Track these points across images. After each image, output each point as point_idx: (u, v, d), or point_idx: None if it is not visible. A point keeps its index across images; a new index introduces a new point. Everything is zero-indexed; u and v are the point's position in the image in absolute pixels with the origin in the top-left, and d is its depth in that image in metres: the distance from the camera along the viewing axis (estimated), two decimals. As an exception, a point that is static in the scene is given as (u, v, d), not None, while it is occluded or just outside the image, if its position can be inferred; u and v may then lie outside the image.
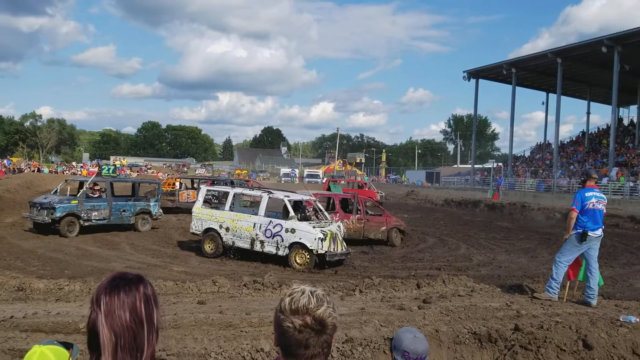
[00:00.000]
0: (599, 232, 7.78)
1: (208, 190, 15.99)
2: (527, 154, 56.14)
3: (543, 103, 53.04)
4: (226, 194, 14.78)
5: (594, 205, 7.72)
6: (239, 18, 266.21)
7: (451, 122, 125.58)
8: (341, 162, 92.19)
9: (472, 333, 5.57)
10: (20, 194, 25.19)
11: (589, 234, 7.64)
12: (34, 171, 48.72)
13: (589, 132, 51.72)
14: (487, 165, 61.76)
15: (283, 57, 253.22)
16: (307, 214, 14.04)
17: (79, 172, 49.05)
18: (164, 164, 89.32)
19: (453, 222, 25.04)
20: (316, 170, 78.29)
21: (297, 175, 71.52)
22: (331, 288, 8.66)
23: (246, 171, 74.05)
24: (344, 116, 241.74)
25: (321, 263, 12.35)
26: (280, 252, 12.68)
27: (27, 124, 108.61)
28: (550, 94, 50.94)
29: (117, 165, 68.11)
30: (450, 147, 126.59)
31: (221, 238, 13.44)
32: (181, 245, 14.87)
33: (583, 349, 5.33)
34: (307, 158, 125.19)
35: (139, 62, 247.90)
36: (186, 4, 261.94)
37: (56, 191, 16.85)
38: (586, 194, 7.78)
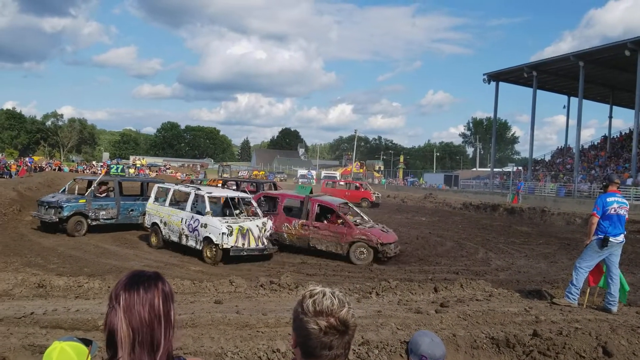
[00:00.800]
0: (621, 238, 7.65)
1: (158, 187, 16.59)
2: (548, 158, 55.52)
3: (564, 107, 52.46)
4: (168, 190, 15.47)
5: (615, 210, 7.60)
6: (258, 19, 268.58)
7: (471, 125, 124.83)
8: (358, 164, 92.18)
9: (490, 338, 5.52)
10: (42, 192, 25.48)
11: (610, 239, 7.52)
12: (54, 170, 49.38)
13: (611, 137, 50.97)
14: (506, 169, 61.15)
15: (302, 58, 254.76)
16: (238, 211, 14.26)
17: (99, 172, 49.60)
18: (182, 164, 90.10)
19: (471, 226, 24.83)
20: (333, 172, 78.27)
21: (314, 177, 71.54)
22: (347, 290, 8.64)
23: (263, 172, 74.28)
24: (363, 118, 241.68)
25: (226, 257, 12.63)
26: (197, 246, 13.14)
27: (49, 123, 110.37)
28: (571, 98, 50.34)
29: (137, 165, 68.96)
30: (470, 150, 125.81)
31: (161, 232, 14.28)
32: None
33: (603, 356, 5.25)
34: (325, 160, 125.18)
35: (159, 63, 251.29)
36: (207, 6, 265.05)
37: (64, 190, 16.92)
38: (608, 199, 7.66)
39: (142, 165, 72.56)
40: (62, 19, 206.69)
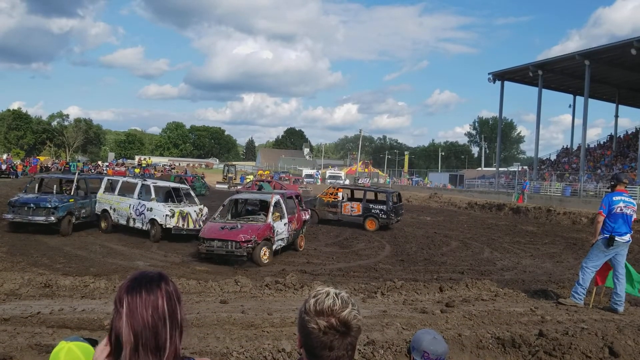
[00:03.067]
0: (627, 237, 7.61)
1: (107, 179, 18.81)
2: (554, 157, 55.32)
3: (570, 106, 52.23)
4: (116, 182, 18.00)
5: (621, 209, 7.56)
6: (266, 20, 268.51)
7: (476, 124, 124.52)
8: (363, 163, 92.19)
9: (496, 338, 5.51)
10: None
11: (617, 239, 7.49)
12: (60, 169, 49.57)
13: (617, 136, 50.73)
14: (512, 169, 60.99)
15: (308, 58, 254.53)
16: (179, 198, 17.13)
17: (105, 171, 49.77)
18: (187, 164, 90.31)
19: (476, 226, 24.78)
20: (338, 172, 78.29)
21: (320, 177, 71.62)
22: (353, 290, 8.64)
23: (268, 172, 74.34)
24: (368, 118, 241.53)
25: (168, 236, 15.21)
26: (144, 227, 15.76)
27: (55, 123, 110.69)
28: (577, 97, 50.13)
29: (143, 165, 69.12)
30: (475, 149, 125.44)
31: (111, 217, 16.72)
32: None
33: (609, 357, 5.23)
34: (330, 159, 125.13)
35: (166, 64, 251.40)
36: (215, 6, 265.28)
37: (25, 190, 17.13)
38: (614, 198, 7.63)
39: (148, 165, 72.76)
40: (70, 19, 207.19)
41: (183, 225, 15.48)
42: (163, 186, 17.96)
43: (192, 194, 17.75)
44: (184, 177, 38.46)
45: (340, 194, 22.02)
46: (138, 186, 16.69)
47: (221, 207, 14.58)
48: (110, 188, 17.62)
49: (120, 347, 1.57)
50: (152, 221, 15.46)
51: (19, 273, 9.20)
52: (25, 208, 15.35)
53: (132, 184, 17.54)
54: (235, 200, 15.24)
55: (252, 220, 13.85)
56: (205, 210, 16.79)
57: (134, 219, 16.10)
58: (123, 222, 16.40)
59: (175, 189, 17.71)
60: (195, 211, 16.15)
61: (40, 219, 15.16)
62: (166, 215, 15.21)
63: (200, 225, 15.33)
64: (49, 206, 15.28)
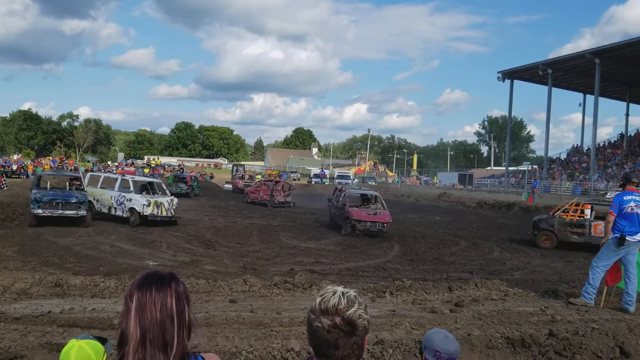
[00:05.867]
0: (638, 237, 7.54)
1: (90, 175, 22.91)
2: (564, 156, 54.98)
3: (580, 105, 51.93)
4: (99, 177, 21.68)
5: (632, 209, 7.50)
6: (276, 20, 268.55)
7: (486, 123, 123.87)
8: (372, 163, 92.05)
9: (505, 338, 5.48)
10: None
11: (627, 238, 7.43)
12: (70, 170, 49.92)
13: (628, 134, 50.34)
14: (521, 168, 60.66)
15: (319, 58, 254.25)
16: (152, 191, 20.46)
17: (114, 171, 50.09)
18: (196, 164, 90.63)
19: (486, 225, 24.69)
20: (347, 172, 78.26)
21: (328, 176, 71.61)
22: (361, 289, 8.62)
23: (277, 171, 74.42)
24: (377, 117, 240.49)
25: (145, 222, 18.16)
26: (124, 215, 18.74)
27: (65, 123, 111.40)
28: (588, 95, 49.80)
29: (152, 165, 69.40)
30: (484, 149, 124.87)
31: (94, 207, 19.45)
32: (213, 245, 15.04)
33: (620, 357, 5.19)
34: (338, 159, 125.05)
35: (176, 64, 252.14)
36: (226, 7, 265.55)
37: (37, 186, 18.04)
38: (624, 197, 7.58)
39: (157, 165, 73.09)
40: (82, 21, 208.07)
41: (158, 212, 18.46)
42: (139, 180, 21.66)
43: (164, 187, 21.26)
44: (180, 176, 40.28)
45: (587, 211, 17.87)
46: (118, 180, 20.04)
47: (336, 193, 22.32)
48: (94, 182, 20.97)
49: (126, 342, 1.60)
50: (131, 210, 18.50)
51: (29, 272, 9.27)
52: (54, 203, 16.82)
53: (112, 178, 21.21)
54: (338, 189, 22.69)
55: (377, 209, 19.45)
56: (176, 200, 20.01)
57: (115, 208, 19.12)
58: (105, 210, 19.53)
59: (150, 183, 21.37)
60: (167, 201, 19.13)
61: (71, 212, 16.99)
62: (143, 204, 18.30)
63: (172, 213, 18.94)
64: (76, 201, 17.18)
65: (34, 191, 17.22)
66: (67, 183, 20.50)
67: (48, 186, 19.58)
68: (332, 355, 1.63)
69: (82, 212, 17.18)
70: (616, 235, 7.52)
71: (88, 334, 2.08)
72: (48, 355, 4.55)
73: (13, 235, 14.71)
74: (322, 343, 1.62)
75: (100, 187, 20.18)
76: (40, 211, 16.56)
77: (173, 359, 1.60)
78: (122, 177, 20.36)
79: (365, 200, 21.04)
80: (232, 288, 8.31)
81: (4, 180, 27.09)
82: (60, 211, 16.77)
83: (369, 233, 17.92)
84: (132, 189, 19.20)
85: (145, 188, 20.69)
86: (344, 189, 22.42)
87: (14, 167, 46.32)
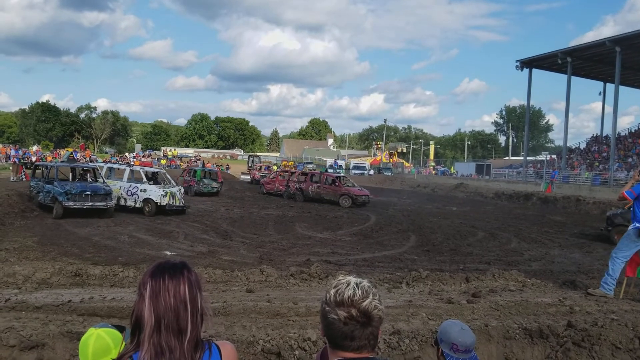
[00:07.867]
0: (659, 227, 7.43)
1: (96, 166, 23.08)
2: (583, 145, 54.24)
3: (600, 93, 51.11)
4: (101, 167, 21.68)
5: (654, 199, 7.39)
6: (294, 10, 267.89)
7: (504, 113, 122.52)
8: (387, 153, 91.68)
9: (523, 328, 5.44)
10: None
11: (648, 229, 7.32)
12: (87, 160, 50.46)
13: (650, 123, 49.44)
14: (540, 158, 59.98)
15: (336, 48, 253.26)
16: (158, 180, 21.60)
17: (132, 162, 50.54)
18: (212, 155, 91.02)
19: (504, 216, 24.50)
20: (362, 162, 78.08)
21: (344, 166, 71.54)
22: (378, 280, 8.62)
23: (292, 162, 74.49)
24: (394, 107, 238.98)
25: (161, 212, 18.97)
26: (136, 205, 19.46)
27: (83, 115, 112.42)
28: (608, 84, 48.98)
29: (169, 156, 69.82)
30: (502, 138, 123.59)
31: None
32: (230, 235, 15.13)
33: (639, 348, 5.13)
34: (354, 150, 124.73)
35: (194, 55, 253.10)
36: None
37: (54, 178, 18.31)
38: (646, 187, 7.46)
39: (174, 156, 73.56)
40: (101, 13, 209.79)
41: (173, 202, 19.39)
42: (149, 170, 22.69)
43: (168, 176, 22.01)
44: (209, 171, 39.22)
45: None
46: (127, 171, 20.91)
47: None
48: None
49: (140, 329, 1.64)
50: (147, 200, 19.24)
51: (49, 262, 9.40)
52: (83, 195, 17.11)
53: (121, 170, 21.95)
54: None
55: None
56: (182, 190, 21.24)
57: (125, 199, 19.72)
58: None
59: (154, 173, 22.64)
60: (177, 191, 20.14)
61: (101, 204, 17.47)
62: (161, 194, 19.16)
63: (182, 203, 19.98)
64: (104, 192, 17.67)
65: (55, 183, 17.45)
66: (85, 174, 20.69)
67: (70, 178, 20.01)
68: (348, 346, 1.63)
69: (111, 204, 17.68)
70: (637, 226, 7.41)
71: (107, 322, 2.11)
72: (69, 344, 4.61)
73: (33, 226, 14.94)
74: (338, 335, 1.62)
75: (106, 178, 20.55)
76: (71, 203, 16.78)
77: (187, 344, 1.65)
78: (131, 168, 21.56)
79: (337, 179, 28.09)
80: (248, 278, 8.36)
81: (24, 171, 27.42)
82: (90, 203, 17.11)
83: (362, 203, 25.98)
84: (144, 179, 20.18)
85: (149, 178, 21.40)
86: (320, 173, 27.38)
87: (33, 159, 46.91)
